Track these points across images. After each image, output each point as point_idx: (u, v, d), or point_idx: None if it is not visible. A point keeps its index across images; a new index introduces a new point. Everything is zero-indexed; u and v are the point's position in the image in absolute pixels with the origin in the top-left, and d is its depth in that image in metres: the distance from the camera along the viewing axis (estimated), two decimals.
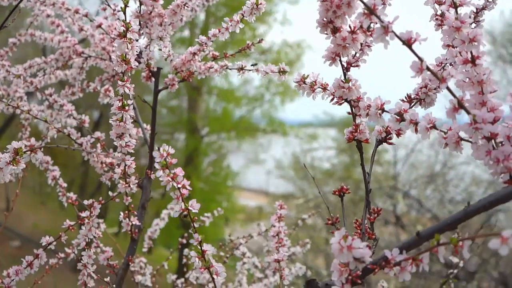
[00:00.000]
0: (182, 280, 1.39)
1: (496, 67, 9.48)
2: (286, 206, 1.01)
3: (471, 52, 0.54)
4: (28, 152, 0.67)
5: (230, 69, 0.98)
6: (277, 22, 10.55)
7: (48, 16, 1.21)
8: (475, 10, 0.72)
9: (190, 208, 0.64)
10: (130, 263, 0.99)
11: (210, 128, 11.80)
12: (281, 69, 0.85)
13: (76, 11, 1.11)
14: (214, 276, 0.65)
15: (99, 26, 1.02)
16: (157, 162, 0.61)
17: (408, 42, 0.51)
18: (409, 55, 0.53)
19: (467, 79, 0.54)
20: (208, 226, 1.44)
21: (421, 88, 0.69)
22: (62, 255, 1.13)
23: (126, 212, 0.96)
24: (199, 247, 0.65)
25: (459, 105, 0.52)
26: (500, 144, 0.52)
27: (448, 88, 0.52)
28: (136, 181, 0.91)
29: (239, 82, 12.25)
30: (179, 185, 0.62)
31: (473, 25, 0.73)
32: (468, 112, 0.51)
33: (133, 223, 0.97)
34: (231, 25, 0.91)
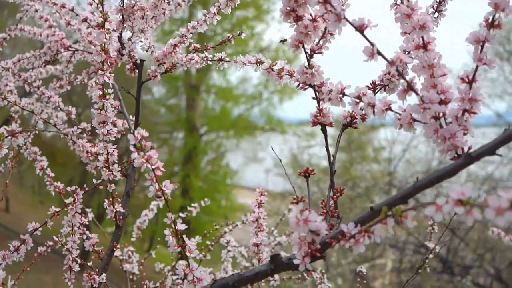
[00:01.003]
0: (169, 267, 1.43)
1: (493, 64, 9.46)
2: (266, 193, 1.05)
3: (422, 38, 0.57)
4: (9, 137, 0.70)
5: (210, 60, 1.02)
6: (275, 21, 10.57)
7: (36, 10, 1.24)
8: (438, 0, 0.76)
9: (163, 188, 0.67)
10: (114, 249, 1.02)
11: (209, 127, 11.83)
12: (258, 60, 0.88)
13: (63, 6, 1.14)
14: (187, 254, 0.68)
15: (85, 20, 1.06)
16: (132, 145, 0.65)
17: (360, 28, 0.54)
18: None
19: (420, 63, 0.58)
20: (207, 225, 1.46)
21: (385, 74, 0.72)
22: (51, 243, 1.16)
23: (111, 199, 1.00)
24: (173, 226, 0.69)
25: (409, 87, 0.55)
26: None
27: (398, 71, 0.55)
28: (119, 169, 0.94)
29: (237, 81, 12.28)
30: (153, 167, 0.66)
31: (436, 14, 0.76)
32: (417, 94, 0.55)
33: (117, 210, 1.01)
34: (208, 17, 0.94)
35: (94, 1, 0.96)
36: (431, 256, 1.16)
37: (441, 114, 0.55)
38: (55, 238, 1.16)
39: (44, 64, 1.25)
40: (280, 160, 1.04)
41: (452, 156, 0.54)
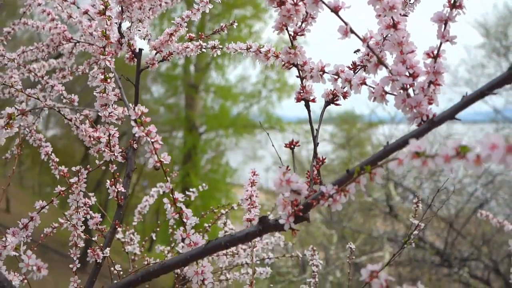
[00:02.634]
0: (169, 248, 1.50)
1: (491, 60, 9.55)
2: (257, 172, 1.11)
3: (392, 18, 0.64)
4: (20, 116, 0.77)
5: (205, 48, 1.08)
6: (273, 19, 10.61)
7: (39, 4, 1.30)
8: None
9: (162, 159, 0.74)
10: (116, 227, 1.09)
11: (208, 126, 11.89)
12: (248, 46, 0.94)
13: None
14: (185, 220, 0.75)
15: (86, 12, 1.12)
16: (133, 120, 0.71)
17: (335, 10, 0.61)
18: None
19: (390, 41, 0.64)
20: (207, 222, 1.51)
21: (364, 55, 0.78)
22: (56, 224, 1.22)
23: (112, 180, 1.06)
24: (171, 195, 0.75)
25: (379, 61, 0.62)
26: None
27: (369, 47, 0.61)
28: (120, 150, 1.01)
29: (236, 79, 12.33)
30: (153, 140, 0.72)
31: (412, 0, 0.83)
32: (386, 67, 0.61)
33: (119, 190, 1.07)
34: (201, 5, 1.01)
35: None
36: (415, 232, 1.22)
37: (408, 86, 0.61)
38: (60, 220, 1.23)
39: (47, 56, 1.32)
40: (280, 157, 1.09)
41: (418, 122, 0.61)
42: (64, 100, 1.16)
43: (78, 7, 1.19)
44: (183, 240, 0.74)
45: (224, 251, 1.25)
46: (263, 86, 12.27)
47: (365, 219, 7.21)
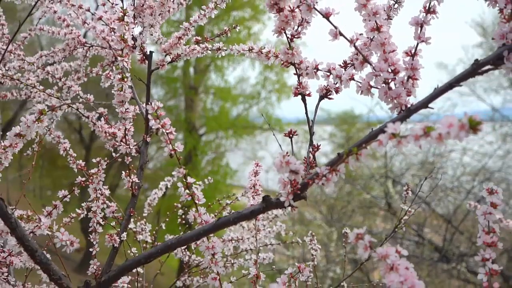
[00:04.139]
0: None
1: None
2: (261, 164, 1.21)
3: (376, 22, 0.74)
4: (50, 111, 0.87)
5: (210, 50, 1.18)
6: (272, 21, 10.71)
7: (55, 12, 1.40)
8: None
9: (176, 148, 0.84)
10: (131, 214, 1.19)
11: (208, 127, 11.98)
12: (250, 48, 1.05)
13: (80, 7, 1.30)
14: (196, 201, 0.85)
15: (100, 18, 1.22)
16: (150, 114, 0.81)
17: (326, 15, 0.71)
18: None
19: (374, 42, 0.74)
20: None
21: (353, 55, 0.89)
22: (74, 215, 1.32)
23: (127, 171, 1.16)
24: (185, 180, 0.85)
25: (364, 59, 0.72)
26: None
27: (355, 47, 0.72)
28: (135, 143, 1.11)
29: (235, 81, 12.43)
30: (168, 131, 0.82)
31: (396, 5, 0.93)
32: (370, 64, 0.72)
33: (133, 180, 1.17)
34: (207, 11, 1.11)
35: (109, 1, 1.13)
36: (405, 217, 1.32)
37: (389, 80, 0.71)
38: (78, 211, 1.32)
39: (63, 59, 1.42)
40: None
41: (398, 111, 0.71)
42: (80, 100, 1.26)
43: (93, 14, 1.30)
44: (194, 219, 0.84)
45: (230, 238, 1.35)
46: (262, 87, 12.38)
47: (365, 217, 7.30)
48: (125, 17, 0.92)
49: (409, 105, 0.71)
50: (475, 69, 0.65)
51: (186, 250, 1.61)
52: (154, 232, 1.57)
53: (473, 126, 0.47)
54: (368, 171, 8.05)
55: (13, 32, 1.55)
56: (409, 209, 1.33)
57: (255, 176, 1.17)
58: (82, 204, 1.30)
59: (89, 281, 0.86)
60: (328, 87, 0.86)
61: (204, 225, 0.81)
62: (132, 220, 1.56)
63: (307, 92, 0.84)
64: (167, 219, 1.68)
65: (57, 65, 1.54)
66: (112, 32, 1.19)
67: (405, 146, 0.57)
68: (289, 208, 0.77)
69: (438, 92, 0.66)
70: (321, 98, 0.88)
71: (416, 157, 7.81)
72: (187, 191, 0.85)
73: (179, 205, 1.62)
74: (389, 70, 0.72)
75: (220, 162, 12.08)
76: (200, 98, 12.18)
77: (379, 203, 6.35)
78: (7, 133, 0.88)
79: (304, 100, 0.85)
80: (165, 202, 9.32)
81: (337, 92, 0.87)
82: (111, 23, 1.23)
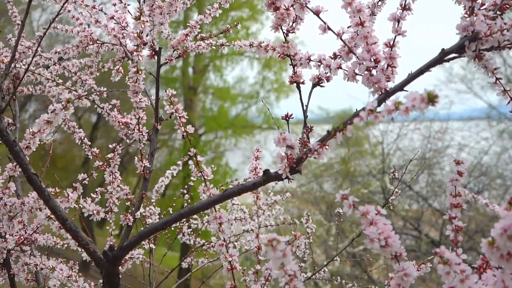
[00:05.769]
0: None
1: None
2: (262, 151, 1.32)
3: (359, 18, 0.86)
4: (77, 99, 0.98)
5: (214, 46, 1.30)
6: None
7: (69, 11, 1.52)
8: None
9: (188, 130, 0.96)
10: (143, 196, 1.31)
11: (207, 127, 12.10)
12: (251, 43, 1.16)
13: (93, 7, 1.42)
14: (205, 176, 0.97)
15: (112, 17, 1.34)
16: (165, 100, 0.93)
17: (316, 13, 0.83)
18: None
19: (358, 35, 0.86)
20: (208, 232, 1.71)
21: (341, 47, 1.00)
22: (94, 195, 1.43)
23: (140, 156, 1.28)
24: (195, 159, 0.97)
25: (349, 50, 0.84)
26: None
27: (342, 40, 0.84)
28: (147, 131, 1.23)
29: (234, 81, 12.53)
30: (180, 115, 0.94)
31: (380, 3, 1.05)
32: (355, 54, 0.83)
33: (145, 165, 1.29)
34: (212, 11, 1.23)
35: (121, 1, 1.25)
36: (393, 197, 1.44)
37: (371, 68, 0.83)
38: (93, 195, 1.43)
39: (76, 55, 1.54)
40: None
41: (379, 94, 0.83)
42: (94, 93, 1.38)
43: (105, 13, 1.41)
44: (204, 192, 0.96)
45: (233, 217, 1.47)
46: (261, 86, 12.50)
47: None
48: (141, 16, 1.04)
49: (388, 89, 0.83)
50: (442, 56, 0.77)
51: (193, 233, 1.73)
52: (161, 215, 1.69)
53: (431, 99, 0.59)
54: (367, 168, 8.19)
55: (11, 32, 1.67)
56: (396, 190, 1.44)
57: (256, 160, 1.29)
58: (97, 189, 1.42)
59: (112, 244, 0.97)
60: (319, 75, 0.98)
61: (213, 197, 0.93)
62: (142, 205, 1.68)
63: (301, 80, 0.96)
64: (174, 204, 1.80)
65: (71, 60, 1.66)
66: (123, 30, 1.31)
67: (381, 120, 0.69)
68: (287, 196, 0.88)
69: (411, 77, 0.78)
70: (314, 86, 1.00)
71: (413, 153, 7.96)
72: (197, 168, 0.97)
73: (185, 191, 1.74)
74: (371, 60, 0.84)
75: (220, 161, 12.19)
76: (199, 98, 12.29)
77: (378, 198, 6.48)
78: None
79: (298, 87, 0.97)
80: (165, 202, 9.42)
81: (328, 80, 0.99)
82: (122, 21, 1.35)
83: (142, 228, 0.97)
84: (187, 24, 1.26)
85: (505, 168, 8.03)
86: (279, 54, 0.96)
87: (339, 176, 8.13)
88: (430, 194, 6.91)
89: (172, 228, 1.80)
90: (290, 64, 0.96)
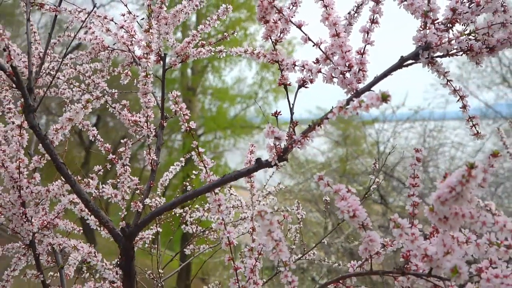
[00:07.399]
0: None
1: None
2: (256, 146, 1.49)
3: (335, 30, 1.02)
4: (95, 100, 1.15)
5: (213, 52, 1.47)
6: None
7: (82, 21, 1.68)
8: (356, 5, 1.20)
9: (190, 125, 1.12)
10: (151, 186, 1.47)
11: (206, 128, 12.25)
12: (246, 50, 1.33)
13: (105, 17, 1.59)
14: (206, 165, 1.13)
15: (122, 27, 1.50)
16: (170, 100, 1.09)
17: (299, 26, 0.99)
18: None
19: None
20: (209, 222, 1.86)
21: (321, 55, 1.17)
22: (110, 180, 1.60)
23: (148, 150, 1.44)
24: (197, 150, 1.14)
25: (326, 57, 1.00)
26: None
27: (320, 48, 1.00)
28: (155, 127, 1.39)
29: (232, 81, 12.69)
30: (184, 112, 1.11)
31: (355, 14, 1.21)
32: (331, 60, 1.00)
33: (153, 158, 1.45)
34: (211, 21, 1.39)
35: (130, 13, 1.41)
36: (374, 186, 1.60)
37: (345, 72, 1.00)
38: (109, 181, 1.59)
39: (89, 60, 1.70)
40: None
41: (351, 94, 0.99)
42: (107, 94, 1.54)
43: (115, 23, 1.57)
44: (205, 178, 1.13)
45: (231, 205, 1.63)
46: (259, 87, 12.66)
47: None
48: (151, 28, 1.21)
49: (358, 89, 0.99)
50: (401, 62, 0.94)
51: (195, 222, 1.89)
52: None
53: (384, 98, 0.76)
54: (364, 167, 8.36)
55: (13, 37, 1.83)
56: (377, 179, 1.60)
57: (250, 154, 1.46)
58: (108, 181, 1.58)
59: (128, 223, 1.13)
60: (304, 78, 1.15)
61: (212, 181, 1.09)
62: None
63: (288, 82, 1.12)
64: (177, 195, 1.95)
65: (85, 65, 1.82)
66: (132, 38, 1.47)
67: (349, 114, 0.85)
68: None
69: (376, 80, 0.95)
70: (299, 87, 1.16)
71: (408, 152, 8.13)
72: (198, 158, 1.13)
73: (188, 184, 1.90)
74: (345, 65, 1.00)
75: (219, 162, 12.33)
76: (198, 99, 12.44)
77: (374, 195, 6.65)
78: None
79: (285, 88, 1.13)
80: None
81: (311, 82, 1.15)
82: (130, 30, 1.51)
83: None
84: (186, 26, 1.43)
85: (499, 166, 8.20)
86: (268, 60, 1.12)
87: (336, 174, 8.30)
88: (425, 191, 7.08)
89: (177, 215, 1.96)
90: (278, 69, 1.13)
